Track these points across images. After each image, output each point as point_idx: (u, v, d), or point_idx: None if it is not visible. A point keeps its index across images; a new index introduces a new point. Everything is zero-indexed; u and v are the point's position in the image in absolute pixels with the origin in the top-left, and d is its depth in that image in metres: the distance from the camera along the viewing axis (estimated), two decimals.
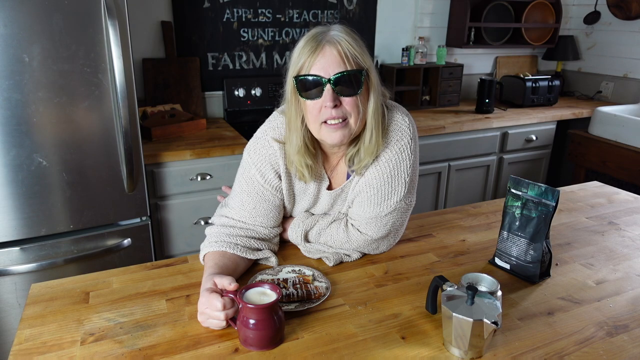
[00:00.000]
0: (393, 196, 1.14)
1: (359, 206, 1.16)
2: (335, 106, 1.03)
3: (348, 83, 1.02)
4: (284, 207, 1.22)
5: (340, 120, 1.05)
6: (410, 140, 1.13)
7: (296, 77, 1.04)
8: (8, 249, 1.77)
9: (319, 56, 1.01)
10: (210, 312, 0.92)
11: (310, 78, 1.02)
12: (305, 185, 1.19)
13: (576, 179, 3.03)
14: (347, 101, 1.04)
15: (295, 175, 1.15)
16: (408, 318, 0.97)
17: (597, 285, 1.11)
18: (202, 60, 2.61)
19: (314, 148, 1.14)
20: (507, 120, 2.83)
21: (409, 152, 1.13)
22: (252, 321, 0.87)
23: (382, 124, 1.11)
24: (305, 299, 1.01)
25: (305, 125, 1.10)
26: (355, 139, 1.12)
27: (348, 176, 1.19)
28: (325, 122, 1.05)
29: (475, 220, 1.45)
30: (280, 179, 1.16)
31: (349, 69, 1.01)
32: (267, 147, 1.15)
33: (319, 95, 1.03)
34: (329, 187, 1.20)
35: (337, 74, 1.01)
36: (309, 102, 1.05)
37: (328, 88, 1.01)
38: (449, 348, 0.88)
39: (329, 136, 1.07)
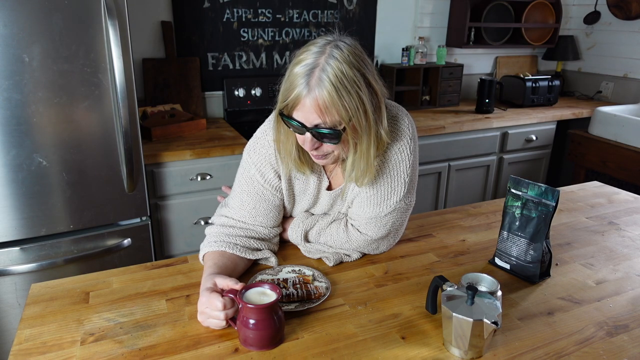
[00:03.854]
0: (392, 196, 1.14)
1: (359, 206, 1.16)
2: (316, 148, 1.03)
3: (327, 135, 1.00)
4: (284, 207, 1.22)
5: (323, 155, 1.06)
6: (409, 140, 1.13)
7: (281, 114, 1.03)
8: (8, 249, 1.77)
9: (299, 104, 0.98)
10: (210, 311, 0.92)
11: (292, 122, 1.01)
12: (305, 185, 1.19)
13: (576, 179, 3.03)
14: (328, 145, 1.03)
15: (298, 169, 1.16)
16: (408, 318, 0.97)
17: (597, 285, 1.11)
18: (202, 60, 2.61)
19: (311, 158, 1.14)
20: (507, 120, 2.83)
21: (408, 152, 1.13)
22: (252, 321, 0.87)
23: (374, 157, 1.07)
24: (305, 299, 1.01)
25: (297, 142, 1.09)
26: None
27: None
28: None
29: (475, 220, 1.45)
30: (280, 179, 1.16)
31: (327, 123, 0.98)
32: (267, 147, 1.15)
33: (302, 133, 1.02)
34: (329, 188, 1.20)
35: (314, 127, 0.99)
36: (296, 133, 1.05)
37: (308, 135, 1.01)
38: (449, 348, 0.88)
39: (316, 160, 1.10)
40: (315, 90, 0.96)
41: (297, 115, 1.00)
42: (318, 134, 1.00)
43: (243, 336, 0.89)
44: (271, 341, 0.88)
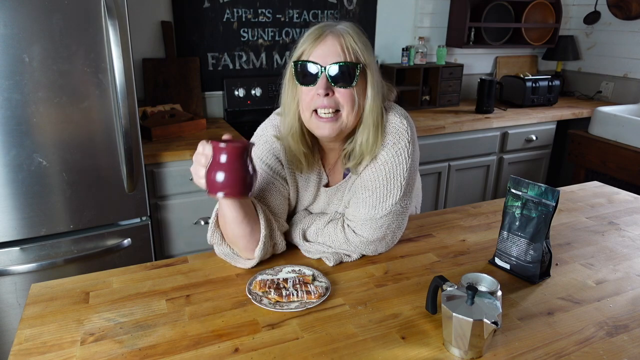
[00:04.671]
0: (388, 199, 1.14)
1: (355, 207, 1.17)
2: (327, 95, 1.04)
3: (344, 74, 1.03)
4: (289, 202, 1.24)
5: (332, 112, 1.06)
6: (407, 143, 1.13)
7: (295, 62, 1.07)
8: (8, 249, 1.77)
9: (319, 44, 1.04)
10: (196, 156, 0.96)
11: (308, 64, 1.04)
12: (306, 182, 1.20)
13: (576, 179, 3.03)
14: (341, 92, 1.05)
15: (294, 166, 1.17)
16: (408, 318, 0.97)
17: (597, 285, 1.11)
18: (202, 60, 2.61)
19: (310, 140, 1.16)
20: (507, 120, 2.83)
21: (406, 155, 1.13)
22: (221, 160, 0.89)
23: (381, 124, 1.11)
24: (305, 299, 1.01)
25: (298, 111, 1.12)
26: (351, 135, 1.12)
27: (344, 176, 1.19)
28: (316, 112, 1.07)
29: (475, 220, 1.45)
30: (284, 169, 1.19)
31: (348, 60, 1.03)
32: (270, 142, 1.18)
33: (313, 82, 1.05)
34: (327, 185, 1.21)
35: (333, 63, 1.03)
36: (303, 88, 1.07)
37: (323, 76, 1.03)
38: (449, 348, 0.88)
39: (317, 128, 1.08)
40: (338, 32, 1.04)
41: (315, 56, 1.04)
42: (335, 71, 1.03)
43: (210, 179, 0.90)
44: (233, 184, 0.89)
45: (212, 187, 0.91)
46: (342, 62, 1.03)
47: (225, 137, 0.96)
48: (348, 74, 1.04)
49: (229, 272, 1.13)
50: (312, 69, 1.04)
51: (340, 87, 1.04)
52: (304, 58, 1.05)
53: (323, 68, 1.03)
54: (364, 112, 1.09)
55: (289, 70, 1.09)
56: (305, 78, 1.05)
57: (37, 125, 1.67)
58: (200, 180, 0.96)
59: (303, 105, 1.08)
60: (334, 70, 1.03)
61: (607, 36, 3.32)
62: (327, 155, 1.21)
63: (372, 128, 1.09)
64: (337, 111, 1.06)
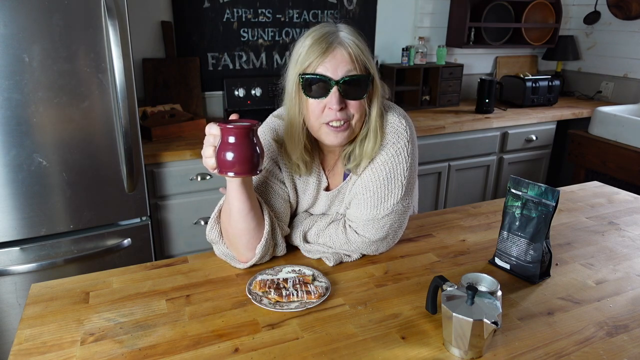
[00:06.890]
0: (390, 198, 1.14)
1: (356, 208, 1.16)
2: (341, 109, 1.03)
3: (355, 86, 1.03)
4: (290, 205, 1.23)
5: (343, 122, 1.06)
6: (407, 143, 1.13)
7: (302, 75, 1.04)
8: (8, 249, 1.77)
9: (329, 57, 1.01)
10: (207, 138, 0.97)
11: (317, 77, 1.02)
12: (305, 185, 1.20)
13: (576, 179, 3.03)
14: (352, 104, 1.05)
15: (292, 170, 1.17)
16: (408, 318, 0.97)
17: (597, 285, 1.11)
18: (202, 60, 2.61)
19: (311, 147, 1.16)
20: (507, 120, 2.83)
21: (406, 154, 1.13)
22: (230, 140, 0.93)
23: (381, 126, 1.12)
24: (305, 299, 1.01)
25: (304, 123, 1.11)
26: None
27: (345, 177, 1.19)
28: (327, 123, 1.06)
29: (475, 220, 1.45)
30: (282, 173, 1.19)
31: (358, 72, 1.03)
32: (268, 146, 1.17)
33: (324, 95, 1.03)
34: (327, 188, 1.21)
35: (346, 76, 1.02)
36: (311, 100, 1.05)
37: (335, 90, 1.02)
38: (449, 348, 0.88)
39: (328, 138, 1.08)
40: (344, 43, 1.02)
41: (324, 69, 1.02)
42: (348, 83, 1.02)
43: (220, 159, 0.94)
44: (241, 163, 0.94)
45: (223, 166, 0.95)
46: (354, 75, 1.02)
47: (232, 117, 0.99)
48: (360, 87, 1.04)
49: (229, 272, 1.14)
50: (323, 82, 1.02)
51: (352, 99, 1.04)
52: (310, 71, 1.03)
53: (335, 82, 1.02)
54: (369, 117, 1.10)
55: (295, 83, 1.06)
56: (315, 91, 1.04)
57: (37, 125, 1.67)
58: (207, 160, 0.98)
59: (311, 117, 1.07)
60: (346, 84, 1.02)
61: (607, 36, 3.32)
62: (326, 158, 1.21)
63: (376, 132, 1.10)
64: (347, 121, 1.07)
